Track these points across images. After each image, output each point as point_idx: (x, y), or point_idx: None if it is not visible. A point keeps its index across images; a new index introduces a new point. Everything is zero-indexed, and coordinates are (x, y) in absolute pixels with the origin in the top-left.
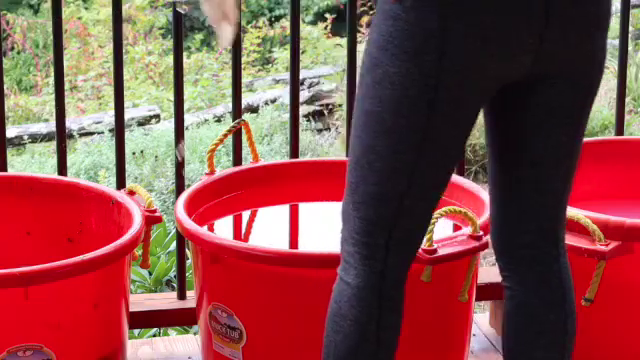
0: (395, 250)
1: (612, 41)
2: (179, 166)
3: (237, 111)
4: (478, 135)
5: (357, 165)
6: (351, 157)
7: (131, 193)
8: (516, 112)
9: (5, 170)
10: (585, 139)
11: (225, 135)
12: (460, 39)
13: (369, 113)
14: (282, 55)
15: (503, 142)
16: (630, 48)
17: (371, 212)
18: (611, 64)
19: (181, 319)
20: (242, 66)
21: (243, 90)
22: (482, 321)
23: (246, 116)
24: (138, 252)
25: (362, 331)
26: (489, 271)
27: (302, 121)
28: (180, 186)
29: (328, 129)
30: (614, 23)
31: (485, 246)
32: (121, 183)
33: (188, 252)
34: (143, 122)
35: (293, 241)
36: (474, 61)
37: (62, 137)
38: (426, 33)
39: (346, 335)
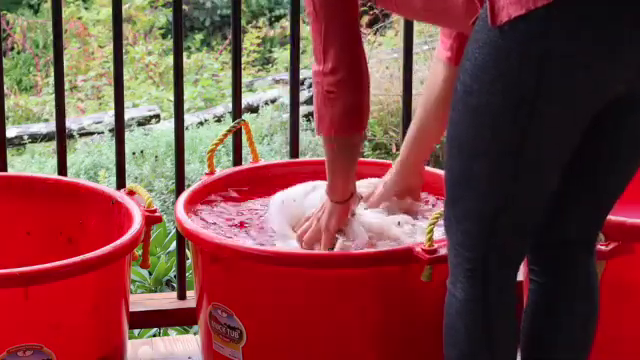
0: (497, 263)
1: None
2: (179, 166)
3: (237, 111)
4: None
5: (456, 182)
6: (449, 174)
7: (131, 193)
8: (598, 133)
9: (5, 170)
10: None
11: (225, 135)
12: (558, 65)
13: (464, 138)
14: (282, 55)
15: (575, 151)
16: None
17: (470, 226)
18: None
19: (181, 319)
20: (242, 66)
21: (243, 90)
22: None
23: (246, 116)
24: (138, 252)
25: (473, 342)
26: None
27: (302, 121)
28: (180, 186)
29: None
30: None
31: None
32: (121, 183)
33: (188, 252)
34: (143, 122)
35: None
36: (572, 88)
37: (62, 137)
38: (523, 59)
39: (460, 347)
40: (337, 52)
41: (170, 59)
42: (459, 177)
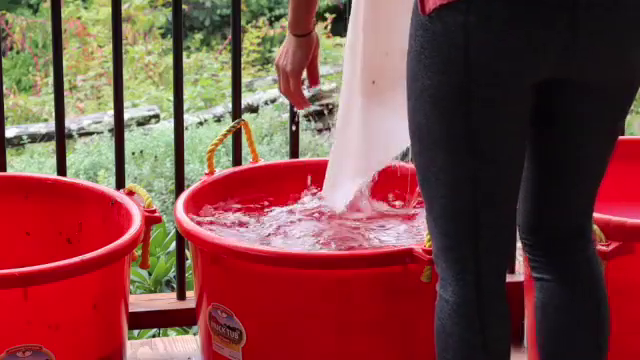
0: (484, 261)
1: None
2: (179, 166)
3: (237, 111)
4: None
5: (424, 180)
6: (418, 173)
7: (130, 193)
8: (549, 119)
9: (4, 170)
10: None
11: (225, 135)
12: (484, 50)
13: (418, 126)
14: None
15: (537, 146)
16: None
17: (450, 226)
18: None
19: (181, 319)
20: (242, 66)
21: (243, 90)
22: None
23: (246, 116)
24: (138, 252)
25: (469, 346)
26: None
27: (302, 121)
28: (180, 186)
29: (328, 129)
30: None
31: None
32: (121, 183)
33: (188, 252)
34: (143, 122)
35: None
36: (500, 72)
37: (61, 137)
38: (451, 44)
39: (455, 352)
40: None
41: (170, 59)
42: (426, 173)
